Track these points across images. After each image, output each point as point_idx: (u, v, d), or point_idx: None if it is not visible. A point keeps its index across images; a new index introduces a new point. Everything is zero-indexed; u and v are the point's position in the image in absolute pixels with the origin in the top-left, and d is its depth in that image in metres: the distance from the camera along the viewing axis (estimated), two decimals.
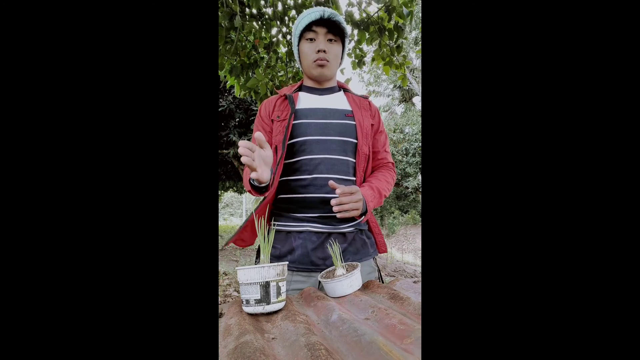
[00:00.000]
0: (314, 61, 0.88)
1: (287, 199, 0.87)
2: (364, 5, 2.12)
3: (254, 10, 2.12)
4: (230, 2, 1.81)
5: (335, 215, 0.85)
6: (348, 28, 2.08)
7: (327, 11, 0.85)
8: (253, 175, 0.68)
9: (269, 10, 2.16)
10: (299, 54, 0.93)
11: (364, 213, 0.82)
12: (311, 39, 0.88)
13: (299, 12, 2.08)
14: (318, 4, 1.97)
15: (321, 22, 0.86)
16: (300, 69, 0.98)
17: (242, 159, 0.65)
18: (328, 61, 0.88)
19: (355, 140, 0.88)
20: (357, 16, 2.11)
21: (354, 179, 0.89)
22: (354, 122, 0.89)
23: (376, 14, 2.09)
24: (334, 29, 0.88)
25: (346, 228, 0.87)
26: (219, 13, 1.77)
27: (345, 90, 0.98)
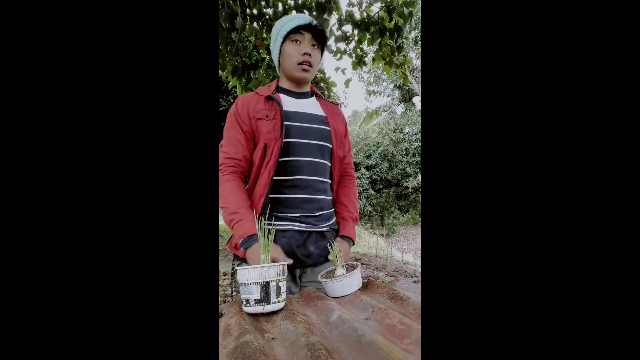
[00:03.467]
0: (299, 63, 0.91)
1: (272, 198, 0.89)
2: (364, 5, 2.12)
3: (255, 11, 2.12)
4: (231, 3, 1.82)
5: (315, 215, 0.91)
6: (348, 28, 2.08)
7: (314, 20, 0.91)
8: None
9: (270, 11, 2.16)
10: (279, 53, 0.94)
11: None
12: (297, 41, 0.91)
13: (299, 13, 2.08)
14: (318, 4, 1.97)
15: (309, 27, 0.90)
16: (278, 68, 0.99)
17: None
18: (311, 66, 0.92)
19: (330, 145, 0.94)
20: (357, 16, 2.11)
21: (330, 181, 0.96)
22: (329, 128, 0.94)
23: (376, 15, 2.09)
24: (318, 36, 0.92)
25: (324, 227, 0.93)
26: (221, 14, 1.77)
27: (317, 96, 1.01)
